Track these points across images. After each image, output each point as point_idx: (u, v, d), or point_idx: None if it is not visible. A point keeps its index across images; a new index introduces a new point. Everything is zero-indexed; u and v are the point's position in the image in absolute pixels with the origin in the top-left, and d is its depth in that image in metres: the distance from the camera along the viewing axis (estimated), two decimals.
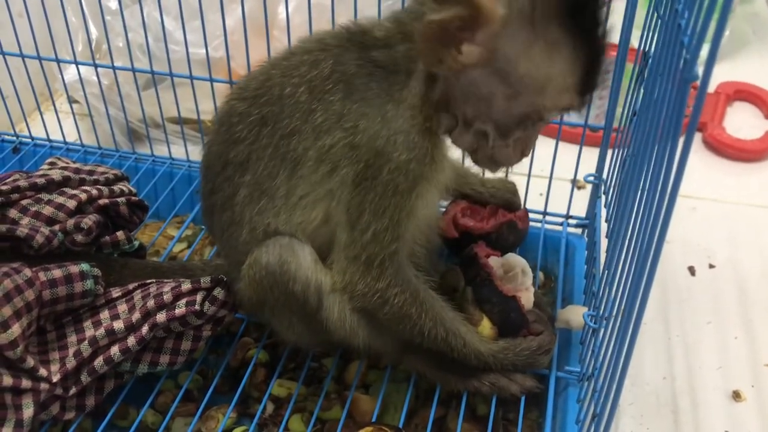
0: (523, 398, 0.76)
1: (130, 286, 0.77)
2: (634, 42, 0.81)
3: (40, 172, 0.89)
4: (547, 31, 0.57)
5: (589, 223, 0.96)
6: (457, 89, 0.63)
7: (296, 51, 0.69)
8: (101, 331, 0.72)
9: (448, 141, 0.68)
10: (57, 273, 0.72)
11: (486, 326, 0.76)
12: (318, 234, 0.70)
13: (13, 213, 0.81)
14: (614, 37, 0.82)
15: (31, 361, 0.68)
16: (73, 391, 0.71)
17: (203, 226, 1.06)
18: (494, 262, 0.79)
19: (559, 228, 0.99)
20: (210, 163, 0.74)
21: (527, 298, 0.77)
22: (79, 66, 1.08)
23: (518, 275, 0.78)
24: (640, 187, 0.56)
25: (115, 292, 0.76)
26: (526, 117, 0.63)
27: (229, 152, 0.71)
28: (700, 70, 0.43)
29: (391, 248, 0.66)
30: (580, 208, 0.98)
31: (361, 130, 0.64)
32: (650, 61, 0.68)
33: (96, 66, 1.06)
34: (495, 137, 0.65)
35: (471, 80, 0.61)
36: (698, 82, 0.43)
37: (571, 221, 0.99)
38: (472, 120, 0.65)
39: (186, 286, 0.74)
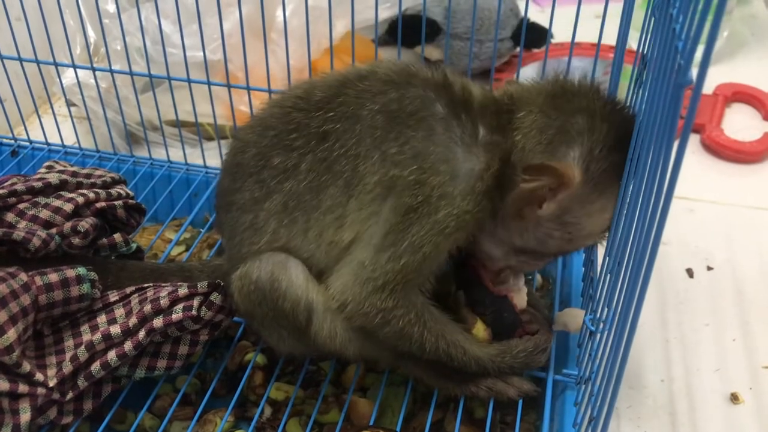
0: (520, 401, 0.76)
1: (128, 290, 0.77)
2: (632, 43, 0.81)
3: (38, 176, 0.89)
4: (606, 191, 0.66)
5: None
6: (521, 225, 0.69)
7: (372, 76, 0.69)
8: (98, 335, 0.72)
9: None
10: (53, 277, 0.72)
11: (480, 329, 0.75)
12: (338, 257, 0.70)
13: (9, 217, 0.81)
14: (612, 38, 0.82)
15: (27, 366, 0.68)
16: (70, 395, 0.71)
17: (201, 229, 1.06)
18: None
19: None
20: (245, 162, 0.72)
21: (520, 298, 0.77)
22: (77, 69, 1.08)
23: (509, 276, 0.78)
24: (637, 189, 0.56)
25: (113, 296, 0.76)
26: (567, 253, 0.75)
27: (272, 157, 0.70)
28: (695, 71, 0.43)
29: (409, 278, 0.67)
30: None
31: (438, 173, 0.65)
32: (647, 63, 0.68)
33: (94, 69, 1.06)
34: (530, 258, 0.73)
35: (538, 223, 0.68)
36: (692, 86, 0.43)
37: None
38: (514, 245, 0.71)
39: (183, 290, 0.74)
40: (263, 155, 0.71)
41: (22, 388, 0.68)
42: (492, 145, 0.67)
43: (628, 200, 0.61)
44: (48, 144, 1.16)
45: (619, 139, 0.65)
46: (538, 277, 0.96)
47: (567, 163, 0.64)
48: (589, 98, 0.67)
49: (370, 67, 0.71)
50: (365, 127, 0.67)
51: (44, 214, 0.81)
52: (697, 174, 1.18)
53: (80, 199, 0.84)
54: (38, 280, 0.71)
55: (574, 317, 0.78)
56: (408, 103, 0.67)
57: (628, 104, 0.72)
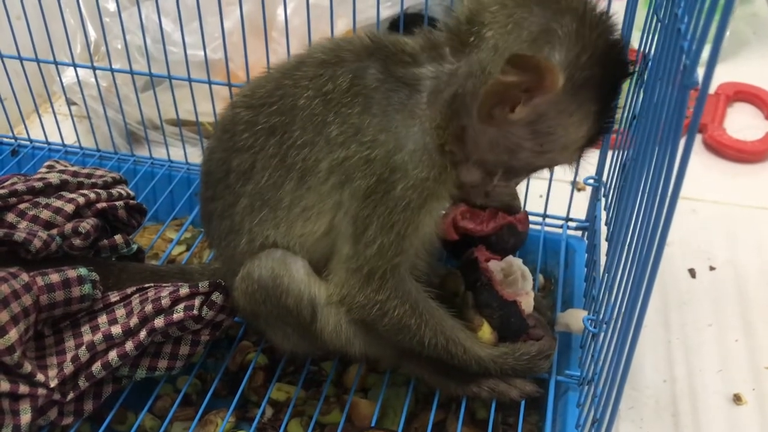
0: (522, 402, 0.75)
1: (128, 291, 0.77)
2: (634, 43, 0.81)
3: (38, 176, 0.88)
4: (586, 103, 0.62)
5: (589, 225, 0.96)
6: (483, 135, 0.64)
7: (308, 61, 0.68)
8: (99, 336, 0.71)
9: None
10: (54, 277, 0.72)
11: (486, 331, 0.75)
12: (317, 247, 0.70)
13: (10, 217, 0.81)
14: None
15: (28, 367, 0.68)
16: (71, 396, 0.71)
17: (202, 229, 1.06)
18: (494, 266, 0.79)
19: (559, 230, 0.98)
20: (211, 170, 0.73)
21: (527, 302, 0.77)
22: (78, 68, 1.08)
23: (518, 280, 0.78)
24: (641, 190, 0.56)
25: (113, 297, 0.76)
26: (539, 168, 0.69)
27: (232, 160, 0.70)
28: (700, 71, 0.43)
29: (394, 261, 0.66)
30: (580, 211, 0.98)
31: (379, 144, 0.63)
32: (650, 63, 0.68)
33: (94, 68, 1.06)
34: (501, 179, 0.68)
35: (504, 132, 0.63)
36: (699, 86, 0.43)
37: (571, 224, 0.99)
38: (486, 162, 0.67)
39: (184, 290, 0.74)
40: (224, 160, 0.71)
41: (23, 388, 0.68)
42: (444, 82, 0.63)
43: (630, 200, 0.61)
44: (48, 143, 1.16)
45: (606, 51, 0.61)
46: (541, 278, 0.95)
47: (552, 63, 0.58)
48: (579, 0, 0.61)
49: (307, 52, 0.70)
50: (306, 115, 0.66)
51: (45, 214, 0.81)
52: (699, 174, 1.18)
53: (81, 200, 0.84)
54: (40, 281, 0.71)
55: (576, 318, 0.78)
56: (341, 81, 0.65)
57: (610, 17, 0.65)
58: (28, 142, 1.17)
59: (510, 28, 0.60)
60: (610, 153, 0.90)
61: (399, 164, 0.63)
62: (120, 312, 0.75)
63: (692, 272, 1.00)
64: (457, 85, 0.63)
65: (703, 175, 1.18)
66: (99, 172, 0.92)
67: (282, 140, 0.67)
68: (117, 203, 0.86)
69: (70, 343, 0.73)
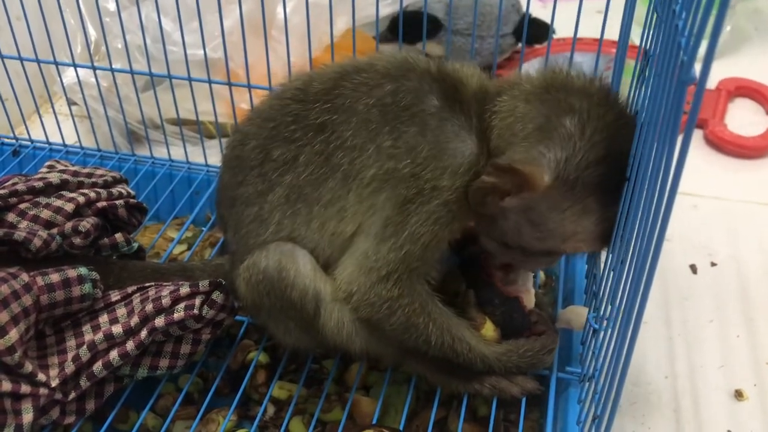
0: (524, 399, 0.75)
1: (129, 290, 0.77)
2: (635, 39, 0.80)
3: (39, 176, 0.88)
4: (583, 199, 0.63)
5: None
6: (489, 214, 0.67)
7: (370, 68, 0.69)
8: (100, 335, 0.72)
9: None
10: (55, 277, 0.72)
11: (489, 328, 0.75)
12: (343, 247, 0.70)
13: (11, 217, 0.81)
14: (614, 34, 0.82)
15: (29, 366, 0.68)
16: (72, 395, 0.71)
17: (203, 228, 1.06)
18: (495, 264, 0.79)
19: None
20: (245, 155, 0.73)
21: (529, 298, 0.77)
22: (78, 68, 1.08)
23: (518, 276, 0.78)
24: (640, 186, 0.56)
25: (114, 296, 0.76)
26: (549, 252, 0.71)
27: (273, 149, 0.70)
28: (698, 66, 0.43)
29: (412, 267, 0.67)
30: None
31: (429, 167, 0.65)
32: (650, 59, 0.68)
33: (95, 68, 1.06)
34: (519, 254, 0.71)
35: (504, 214, 0.66)
36: (695, 83, 0.43)
37: None
38: (496, 237, 0.70)
39: (185, 290, 0.74)
40: (263, 147, 0.71)
41: (25, 388, 0.68)
42: (482, 134, 0.66)
43: (630, 197, 0.61)
44: (49, 143, 1.16)
45: (610, 153, 0.62)
46: (542, 275, 0.95)
47: (537, 166, 0.61)
48: (589, 100, 0.63)
49: (370, 60, 0.71)
50: (361, 120, 0.67)
51: (45, 214, 0.81)
52: (700, 169, 1.18)
53: (81, 199, 0.84)
54: (40, 280, 0.71)
55: (577, 315, 0.78)
56: (402, 97, 0.67)
57: (633, 113, 0.68)
58: (29, 143, 1.17)
59: (510, 122, 0.64)
60: None
61: (440, 185, 0.65)
62: (121, 311, 0.75)
63: (693, 268, 1.00)
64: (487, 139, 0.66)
65: (704, 171, 1.18)
66: (99, 172, 0.92)
67: (330, 139, 0.68)
68: (117, 202, 0.86)
69: (71, 343, 0.73)
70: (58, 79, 1.12)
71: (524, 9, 1.21)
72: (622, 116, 0.65)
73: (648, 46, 0.70)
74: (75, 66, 1.07)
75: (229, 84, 1.01)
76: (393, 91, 0.67)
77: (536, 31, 1.34)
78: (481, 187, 0.64)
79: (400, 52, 0.73)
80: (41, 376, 0.69)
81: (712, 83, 1.34)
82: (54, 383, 0.69)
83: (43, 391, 0.69)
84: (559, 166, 0.62)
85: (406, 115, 0.66)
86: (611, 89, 0.67)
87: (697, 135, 1.25)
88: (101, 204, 0.85)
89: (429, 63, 0.70)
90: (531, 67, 1.38)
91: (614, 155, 0.62)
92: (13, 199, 0.82)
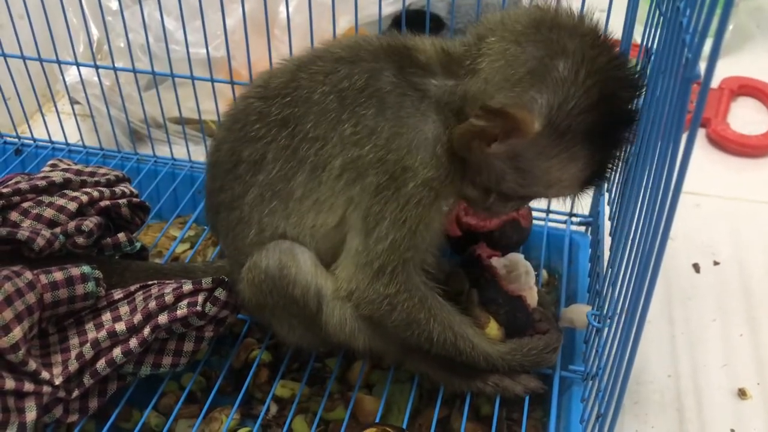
0: (527, 398, 0.75)
1: (132, 288, 0.77)
2: (637, 37, 0.80)
3: (42, 175, 0.88)
4: (572, 147, 0.61)
5: (592, 220, 0.96)
6: (473, 160, 0.65)
7: (325, 56, 0.69)
8: (103, 333, 0.72)
9: None
10: (58, 275, 0.72)
11: (493, 327, 0.75)
12: (328, 238, 0.70)
13: (14, 216, 0.81)
14: (617, 32, 0.82)
15: (33, 364, 0.68)
16: (75, 393, 0.71)
17: (206, 227, 1.06)
18: (496, 262, 0.79)
19: (563, 226, 0.98)
20: (220, 161, 0.73)
21: (531, 297, 0.77)
22: (80, 67, 1.08)
23: (521, 275, 0.78)
24: (644, 185, 0.56)
25: (117, 294, 0.76)
26: (530, 197, 0.71)
27: (242, 150, 0.70)
28: (703, 65, 0.43)
29: (405, 256, 0.67)
30: (583, 206, 0.98)
31: (393, 147, 0.64)
32: (653, 57, 0.68)
33: (97, 67, 1.06)
34: (496, 200, 0.69)
35: (489, 160, 0.64)
36: (700, 80, 0.43)
37: (574, 219, 0.99)
38: (476, 183, 0.68)
39: (187, 287, 0.74)
40: (234, 150, 0.71)
41: (28, 386, 0.68)
42: (447, 95, 0.65)
43: (633, 195, 0.60)
44: (52, 142, 1.16)
45: (602, 98, 0.60)
46: (545, 273, 0.95)
47: (528, 112, 0.59)
48: (582, 41, 0.60)
49: (325, 46, 0.70)
50: (320, 110, 0.67)
51: (48, 212, 0.81)
52: (702, 168, 1.18)
53: (84, 198, 0.84)
54: (43, 279, 0.71)
55: (580, 313, 0.78)
56: (357, 79, 0.66)
57: (626, 56, 0.66)
58: (31, 141, 1.17)
59: (500, 65, 0.62)
60: None
61: (410, 165, 0.64)
62: (124, 309, 0.75)
63: (696, 267, 1.00)
64: (455, 101, 0.64)
65: (706, 170, 1.18)
66: (102, 171, 0.92)
67: (294, 132, 0.68)
68: (120, 201, 0.86)
69: (74, 341, 0.73)
70: (61, 77, 1.12)
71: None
72: (614, 58, 0.62)
73: (650, 45, 0.70)
74: (77, 65, 1.07)
75: (232, 83, 1.01)
76: (347, 75, 0.66)
77: None
78: (469, 130, 0.61)
79: (354, 35, 0.72)
80: (44, 374, 0.69)
81: (714, 82, 1.34)
82: (57, 381, 0.69)
83: (46, 389, 0.69)
84: (552, 112, 0.59)
85: (363, 96, 0.65)
86: (602, 29, 0.63)
87: (700, 134, 1.25)
88: (104, 203, 0.85)
89: (380, 40, 0.68)
90: None
91: (606, 100, 0.60)
92: (16, 198, 0.82)
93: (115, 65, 1.05)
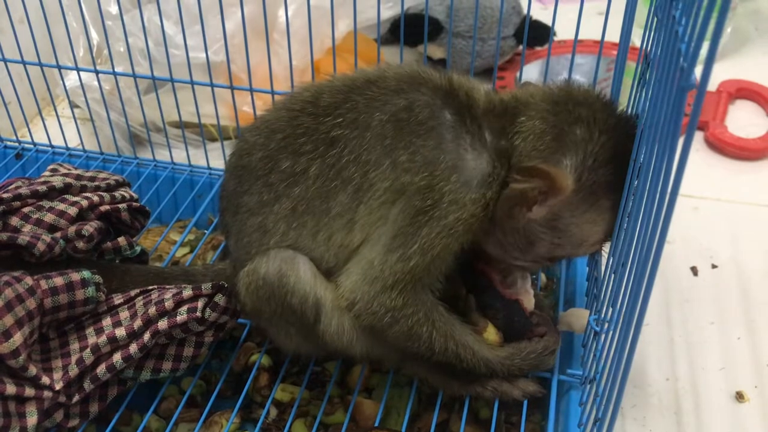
0: (525, 402, 0.76)
1: (132, 293, 0.77)
2: (636, 40, 0.81)
3: (42, 179, 0.89)
4: (599, 202, 0.67)
5: None
6: (510, 226, 0.70)
7: (380, 83, 0.70)
8: (103, 338, 0.72)
9: None
10: (58, 281, 0.72)
11: (491, 332, 0.75)
12: (350, 256, 0.71)
13: (14, 221, 0.81)
14: (615, 36, 0.82)
15: (33, 370, 0.68)
16: (76, 398, 0.71)
17: (206, 230, 1.06)
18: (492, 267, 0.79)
19: None
20: (251, 165, 0.72)
21: (528, 300, 0.77)
22: (80, 72, 1.09)
23: (517, 279, 0.78)
24: (641, 188, 0.56)
25: (117, 299, 0.77)
26: (559, 258, 0.76)
27: (281, 160, 0.70)
28: (699, 69, 0.43)
29: (418, 277, 0.68)
30: None
31: (448, 179, 0.66)
32: (651, 63, 0.68)
33: (97, 72, 1.06)
34: (521, 257, 0.73)
35: (528, 226, 0.69)
36: (696, 89, 0.43)
37: None
38: (507, 244, 0.72)
39: (187, 292, 0.74)
40: (271, 158, 0.71)
41: (29, 391, 0.68)
42: (498, 149, 0.68)
43: (631, 199, 0.61)
44: (52, 146, 1.17)
45: (616, 154, 0.66)
46: (543, 277, 0.96)
47: (560, 170, 0.65)
48: (592, 108, 0.68)
49: (379, 72, 0.71)
50: (375, 135, 0.67)
51: (48, 217, 0.82)
52: (701, 171, 1.18)
53: (84, 203, 0.84)
54: (43, 284, 0.71)
55: (578, 317, 0.78)
56: (418, 112, 0.67)
57: (632, 117, 0.72)
58: (31, 146, 1.18)
59: (531, 140, 0.67)
60: None
61: (460, 198, 0.66)
62: (124, 314, 0.75)
63: (694, 270, 1.00)
64: (503, 163, 0.68)
65: (705, 173, 1.18)
66: (102, 175, 0.92)
67: (343, 153, 0.68)
68: (120, 206, 0.87)
69: (74, 346, 0.74)
70: (61, 82, 1.13)
71: (525, 11, 1.21)
72: (622, 120, 0.69)
73: (649, 49, 0.70)
74: (77, 69, 1.08)
75: (231, 87, 1.02)
76: (407, 107, 0.67)
77: (537, 34, 1.35)
78: (510, 196, 0.66)
79: (410, 64, 0.74)
80: (45, 380, 0.69)
81: (712, 85, 1.34)
82: (58, 386, 0.70)
83: (47, 394, 0.69)
84: (578, 170, 0.66)
85: (423, 129, 0.67)
86: (608, 96, 0.71)
87: (698, 137, 1.25)
88: (104, 207, 0.85)
89: (439, 77, 0.70)
90: (533, 69, 1.39)
91: (619, 156, 0.66)
92: (17, 203, 0.83)
93: (115, 70, 1.05)
